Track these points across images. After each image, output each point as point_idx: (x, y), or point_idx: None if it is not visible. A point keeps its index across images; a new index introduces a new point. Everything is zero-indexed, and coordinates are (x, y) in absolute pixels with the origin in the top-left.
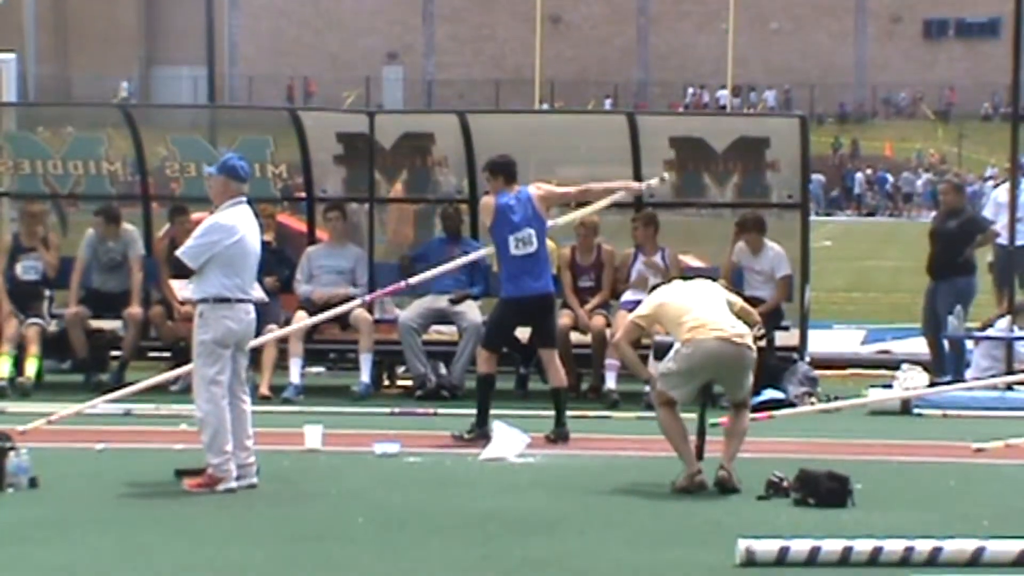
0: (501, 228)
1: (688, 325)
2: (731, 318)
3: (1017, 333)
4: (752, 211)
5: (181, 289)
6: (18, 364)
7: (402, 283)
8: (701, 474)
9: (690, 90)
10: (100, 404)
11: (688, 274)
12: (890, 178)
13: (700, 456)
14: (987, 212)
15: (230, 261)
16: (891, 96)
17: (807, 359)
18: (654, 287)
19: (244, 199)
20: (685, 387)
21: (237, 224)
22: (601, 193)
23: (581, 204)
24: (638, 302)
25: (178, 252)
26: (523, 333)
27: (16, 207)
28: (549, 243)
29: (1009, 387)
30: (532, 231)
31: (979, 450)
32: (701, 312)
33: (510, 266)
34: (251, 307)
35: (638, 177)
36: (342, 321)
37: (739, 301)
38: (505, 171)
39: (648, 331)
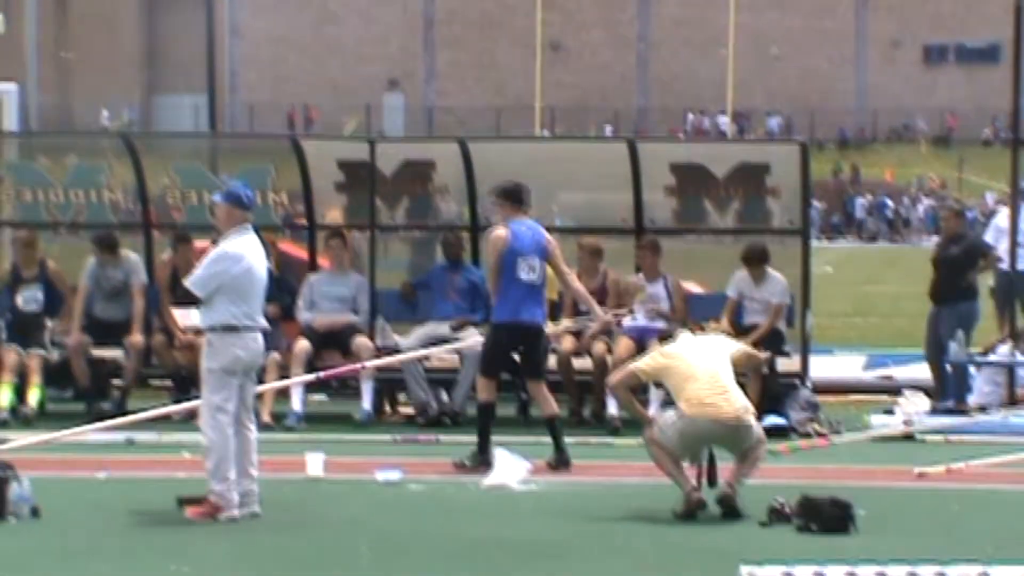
0: (511, 251)
1: (686, 397)
2: (732, 390)
3: (1019, 358)
4: (756, 242)
5: (183, 317)
6: (20, 393)
7: (358, 366)
8: (697, 491)
9: (690, 116)
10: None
11: (691, 301)
12: (889, 203)
13: (713, 482)
14: (988, 237)
15: (238, 289)
16: (909, 122)
17: (809, 384)
18: (663, 337)
19: (250, 227)
20: (681, 450)
21: (245, 252)
22: (583, 299)
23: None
24: (640, 328)
25: (186, 281)
26: None
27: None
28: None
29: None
30: (539, 261)
31: (922, 474)
32: (702, 384)
33: (513, 291)
34: (259, 335)
35: (639, 203)
36: (344, 348)
37: (742, 349)
38: (513, 196)
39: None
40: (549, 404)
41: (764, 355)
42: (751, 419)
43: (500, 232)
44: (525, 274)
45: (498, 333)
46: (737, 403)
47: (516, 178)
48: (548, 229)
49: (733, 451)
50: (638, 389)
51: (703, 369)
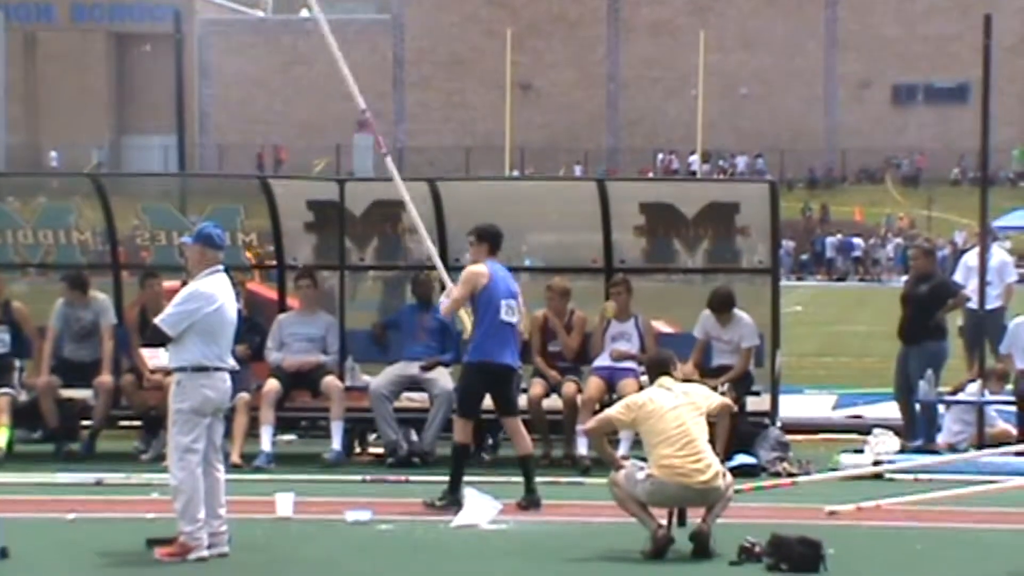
0: (494, 292)
1: (657, 461)
2: (706, 456)
3: (988, 397)
4: (721, 288)
5: (152, 357)
6: None
7: None
8: (663, 528)
9: (660, 156)
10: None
11: (662, 341)
12: (857, 243)
13: (682, 521)
14: (957, 276)
15: (209, 329)
16: (895, 159)
17: (778, 424)
18: (643, 385)
19: (221, 267)
20: (648, 503)
21: (216, 292)
22: None
23: None
24: (607, 368)
25: (156, 320)
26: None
27: None
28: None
29: (980, 450)
30: (515, 303)
31: (832, 513)
32: (675, 449)
33: (494, 332)
34: (227, 376)
35: (608, 242)
36: (313, 388)
37: (715, 402)
38: (491, 239)
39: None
40: (525, 442)
41: (731, 402)
42: (720, 481)
43: (483, 270)
44: (507, 315)
45: (477, 373)
46: (708, 472)
47: (487, 218)
48: (517, 269)
49: (702, 506)
50: (611, 432)
51: (677, 430)
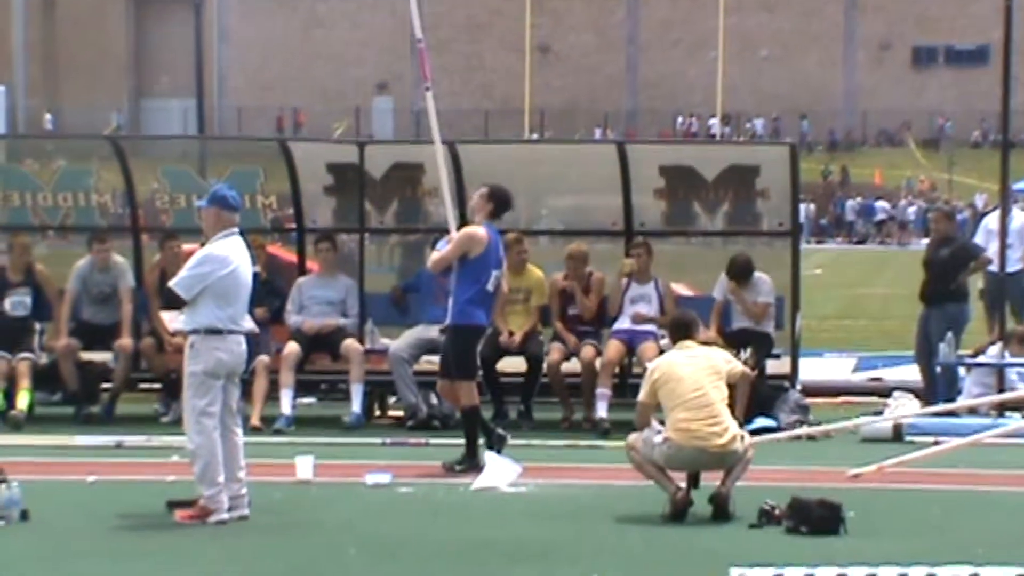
0: (488, 259)
1: (674, 424)
2: (723, 420)
3: (1008, 360)
4: (739, 256)
5: (171, 320)
6: (9, 398)
7: None
8: (682, 491)
9: (680, 119)
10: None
11: (681, 304)
12: (882, 206)
13: (696, 484)
14: (978, 239)
15: (223, 292)
16: (939, 122)
17: (799, 387)
18: (663, 349)
19: (236, 230)
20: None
21: (230, 255)
22: None
23: None
24: (627, 331)
25: (171, 283)
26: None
27: (3, 240)
28: (537, 272)
29: (1001, 413)
30: (500, 273)
31: (856, 475)
32: (693, 414)
33: (480, 299)
34: (242, 339)
35: (628, 205)
36: (333, 352)
37: (736, 369)
38: (499, 202)
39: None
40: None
41: (751, 370)
42: (737, 444)
43: (482, 236)
44: (492, 286)
45: (470, 335)
46: (725, 436)
47: (506, 181)
48: (536, 232)
49: (720, 470)
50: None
51: (695, 394)
